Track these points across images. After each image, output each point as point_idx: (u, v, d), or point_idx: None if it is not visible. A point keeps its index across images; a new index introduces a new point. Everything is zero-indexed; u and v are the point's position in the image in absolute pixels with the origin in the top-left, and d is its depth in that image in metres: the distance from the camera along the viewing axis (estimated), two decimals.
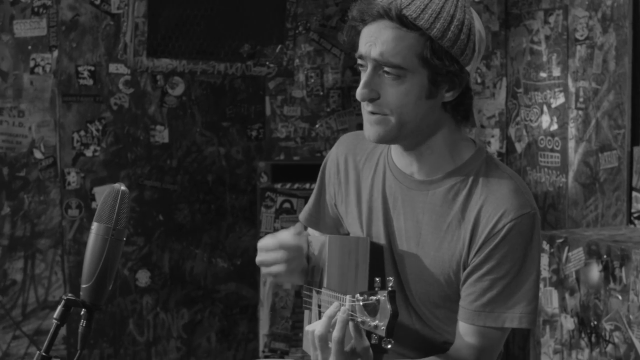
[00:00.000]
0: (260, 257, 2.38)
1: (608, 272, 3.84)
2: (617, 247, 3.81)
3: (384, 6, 2.07)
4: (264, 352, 5.42)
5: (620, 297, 3.78)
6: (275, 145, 5.82)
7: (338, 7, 5.80)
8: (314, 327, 2.09)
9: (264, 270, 2.40)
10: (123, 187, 1.90)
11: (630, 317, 3.72)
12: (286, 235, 2.36)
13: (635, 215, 4.41)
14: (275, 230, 5.35)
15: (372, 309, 1.94)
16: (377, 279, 1.99)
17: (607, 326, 3.85)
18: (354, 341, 2.02)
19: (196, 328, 5.73)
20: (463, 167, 2.20)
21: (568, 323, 4.06)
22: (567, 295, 4.05)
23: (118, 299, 5.50)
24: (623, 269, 3.76)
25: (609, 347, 3.84)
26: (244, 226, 5.80)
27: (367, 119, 2.17)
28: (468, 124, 2.23)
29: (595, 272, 3.91)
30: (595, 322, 3.91)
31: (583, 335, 3.98)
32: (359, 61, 2.15)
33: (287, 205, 5.41)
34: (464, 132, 2.25)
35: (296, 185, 5.36)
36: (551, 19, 4.92)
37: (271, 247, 2.35)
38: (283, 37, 5.70)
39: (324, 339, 2.05)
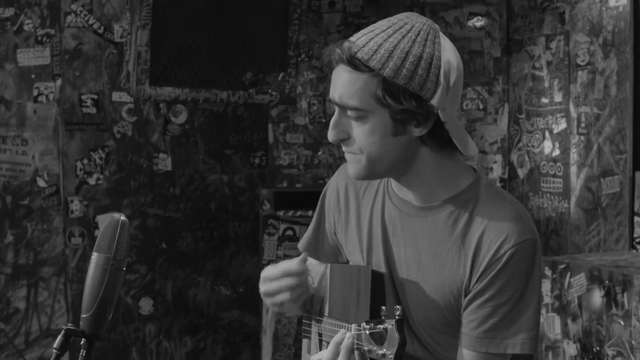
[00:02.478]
0: (264, 287, 2.38)
1: (610, 297, 3.84)
2: (619, 272, 3.82)
3: (339, 51, 2.11)
4: None
5: (622, 323, 3.78)
6: (278, 172, 5.84)
7: (340, 34, 5.82)
8: (320, 356, 2.11)
9: (268, 300, 2.40)
10: (123, 217, 1.91)
11: (633, 342, 3.72)
12: (290, 263, 2.37)
13: (638, 240, 4.42)
14: (278, 257, 5.37)
15: (379, 338, 1.95)
16: (384, 307, 2.00)
17: (610, 352, 3.84)
18: None
19: (199, 356, 5.73)
20: (462, 194, 2.21)
21: (570, 349, 4.05)
22: (569, 321, 4.05)
23: (121, 326, 5.50)
24: (625, 295, 3.76)
25: None
26: (247, 253, 5.80)
27: (347, 157, 2.23)
28: (457, 150, 2.23)
29: (597, 297, 3.91)
30: (598, 348, 3.90)
31: None
32: (333, 106, 2.21)
33: (289, 232, 5.41)
34: (460, 160, 2.26)
35: (299, 213, 5.37)
36: (552, 45, 4.95)
37: (275, 276, 2.35)
38: (285, 65, 5.72)
39: None
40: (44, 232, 5.31)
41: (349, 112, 2.13)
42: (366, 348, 1.99)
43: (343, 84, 2.11)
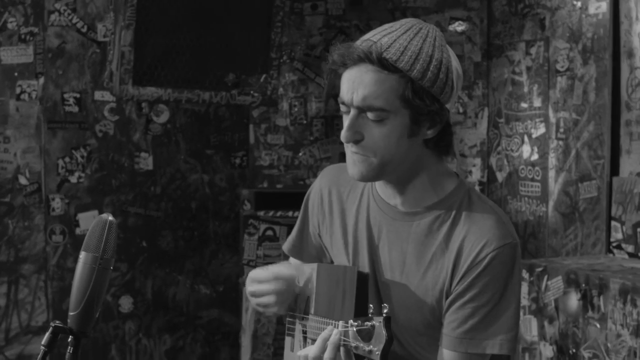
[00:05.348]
0: (252, 287, 2.41)
1: (586, 300, 3.89)
2: (595, 276, 3.86)
3: (364, 50, 2.10)
4: None
5: (598, 326, 3.82)
6: (259, 173, 5.86)
7: (322, 37, 5.86)
8: (307, 352, 2.14)
9: (254, 301, 2.43)
10: (111, 218, 1.94)
11: (609, 345, 3.77)
12: (281, 267, 2.40)
13: (614, 244, 4.46)
14: (258, 257, 5.39)
15: (366, 334, 1.99)
16: (371, 305, 2.05)
17: (586, 354, 3.89)
18: None
19: (178, 354, 5.75)
20: (446, 200, 2.25)
21: (547, 351, 4.10)
22: (546, 324, 4.09)
23: (100, 324, 5.51)
24: (601, 298, 3.81)
25: None
26: (226, 253, 5.83)
27: (351, 157, 2.21)
28: (449, 156, 2.28)
29: (574, 300, 3.96)
30: (574, 350, 3.95)
31: None
32: (342, 107, 2.19)
33: (269, 232, 5.44)
34: (445, 165, 2.30)
35: (279, 213, 5.40)
36: (532, 50, 4.99)
37: (264, 279, 2.38)
38: (267, 66, 5.75)
39: None
40: (25, 230, 5.32)
41: (369, 114, 2.13)
42: (353, 344, 2.03)
43: (368, 84, 2.10)
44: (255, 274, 2.43)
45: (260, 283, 2.40)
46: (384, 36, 2.12)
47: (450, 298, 2.21)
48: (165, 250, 5.68)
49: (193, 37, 5.56)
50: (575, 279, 3.95)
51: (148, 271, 5.63)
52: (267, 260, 5.41)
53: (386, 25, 2.17)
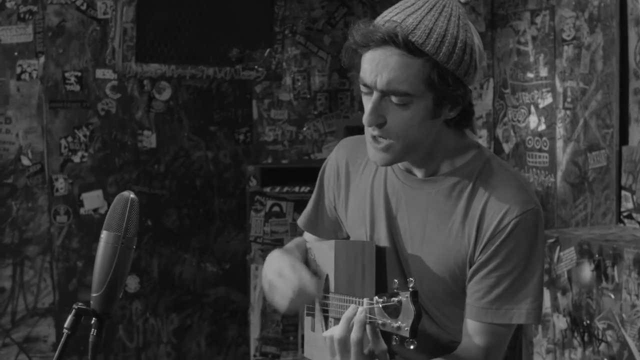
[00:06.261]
0: (274, 278, 2.34)
1: (600, 271, 3.86)
2: (609, 246, 3.83)
3: (389, 32, 2.04)
4: (255, 356, 5.42)
5: (612, 296, 3.80)
6: (263, 148, 5.83)
7: (324, 10, 5.81)
8: (332, 332, 2.10)
9: (267, 288, 2.38)
10: (132, 195, 1.89)
11: (623, 315, 3.74)
12: (307, 278, 2.31)
13: (625, 214, 4.44)
14: (265, 234, 5.36)
15: (393, 310, 1.95)
16: (396, 280, 2.01)
17: (600, 325, 3.87)
18: (371, 344, 2.03)
19: (186, 333, 5.73)
20: (465, 166, 2.22)
21: (560, 322, 4.07)
22: (559, 295, 4.07)
23: None
24: (615, 268, 3.78)
25: (602, 346, 3.85)
26: (232, 230, 5.80)
27: (373, 144, 2.17)
28: (468, 129, 2.25)
29: (587, 271, 3.93)
30: (588, 322, 3.93)
31: (576, 334, 4.00)
32: (363, 88, 2.14)
33: (276, 209, 5.40)
34: (466, 138, 2.27)
35: (286, 189, 5.35)
36: (538, 20, 4.94)
37: (289, 278, 2.31)
38: (271, 40, 5.70)
39: (344, 341, 2.06)
40: (29, 211, 5.28)
41: (393, 98, 2.08)
42: (380, 322, 1.99)
43: (393, 68, 2.06)
44: (279, 264, 2.37)
45: (283, 278, 2.35)
46: (408, 16, 2.07)
47: (473, 267, 2.18)
48: (171, 229, 5.65)
49: (195, 12, 5.51)
50: (588, 249, 3.92)
51: (154, 250, 5.60)
52: (274, 237, 5.37)
53: (407, 2, 2.11)
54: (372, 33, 2.07)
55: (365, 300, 2.05)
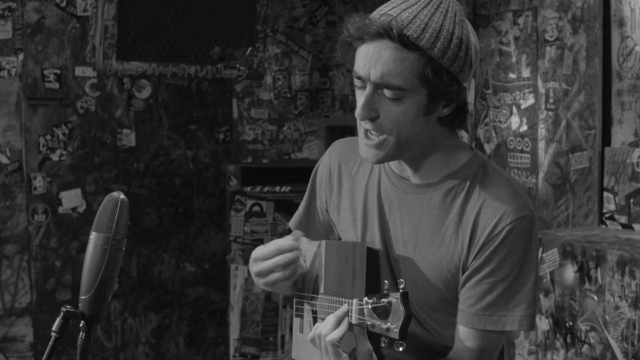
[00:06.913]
0: (256, 267, 2.33)
1: (583, 272, 3.85)
2: (592, 247, 3.83)
3: (384, 25, 2.03)
4: (234, 356, 5.39)
5: (596, 298, 3.79)
6: (243, 147, 5.80)
7: (305, 8, 5.78)
8: (320, 331, 2.09)
9: (260, 281, 2.35)
10: (122, 196, 1.87)
11: (606, 317, 3.74)
12: (281, 240, 2.33)
13: (607, 215, 4.43)
14: (245, 234, 5.33)
15: (382, 312, 1.93)
16: (386, 282, 1.99)
17: (583, 327, 3.86)
18: (357, 344, 2.01)
19: (164, 333, 5.69)
20: (459, 171, 2.20)
21: (543, 324, 4.07)
22: (542, 296, 4.06)
23: None
24: (599, 270, 3.77)
25: (585, 348, 3.85)
26: (211, 229, 5.77)
27: (365, 141, 2.15)
28: (461, 130, 2.24)
29: (570, 272, 3.92)
30: (571, 323, 3.92)
31: (558, 336, 3.99)
32: (356, 81, 2.12)
33: (256, 208, 5.38)
34: (459, 139, 2.25)
35: (266, 189, 5.33)
36: (520, 20, 4.94)
37: (267, 255, 2.31)
38: (253, 39, 5.67)
39: (330, 340, 2.06)
40: (7, 209, 5.23)
41: (386, 92, 2.07)
42: (369, 323, 1.97)
43: (387, 61, 2.04)
44: (258, 252, 2.35)
45: (264, 261, 2.33)
46: (403, 10, 2.06)
47: (466, 273, 2.16)
48: (150, 228, 5.61)
49: (178, 10, 5.47)
50: (571, 250, 3.91)
51: (132, 249, 5.56)
52: (254, 237, 5.35)
53: None
54: (367, 26, 2.06)
55: (355, 300, 2.03)
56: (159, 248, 5.64)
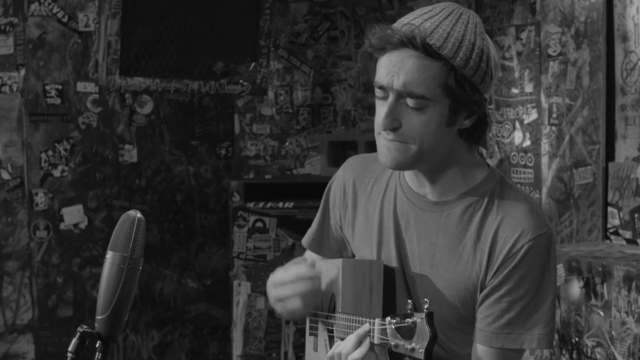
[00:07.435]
0: (276, 292, 2.31)
1: (589, 288, 3.85)
2: (598, 263, 3.82)
3: (407, 34, 2.03)
4: None
5: (602, 314, 3.78)
6: (245, 163, 5.78)
7: (307, 24, 5.78)
8: (340, 349, 2.09)
9: (278, 306, 2.33)
10: (139, 215, 1.85)
11: (613, 333, 3.73)
12: (302, 268, 2.30)
13: (611, 230, 4.43)
14: (248, 250, 5.31)
15: (407, 332, 1.92)
16: (410, 301, 1.98)
17: (589, 342, 3.85)
18: None
19: (166, 350, 5.66)
20: (477, 188, 2.19)
21: None
22: None
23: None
24: (605, 285, 3.77)
25: None
26: (213, 245, 5.75)
27: (385, 145, 2.13)
28: (479, 146, 2.22)
29: (576, 288, 3.92)
30: (577, 339, 3.91)
31: (564, 352, 3.98)
32: (378, 91, 2.11)
33: (259, 224, 5.35)
34: (476, 155, 2.24)
35: (269, 204, 5.31)
36: (523, 35, 4.94)
37: (287, 281, 2.29)
38: (257, 54, 5.66)
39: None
40: (8, 226, 5.20)
41: (409, 101, 2.06)
42: (392, 343, 1.95)
43: (410, 70, 2.04)
44: (277, 277, 2.33)
45: (284, 286, 2.30)
46: (425, 20, 2.06)
47: (484, 292, 2.14)
48: (151, 244, 5.58)
49: (181, 25, 5.46)
50: (577, 266, 3.91)
51: None
52: (257, 253, 5.33)
53: (425, 9, 2.10)
54: (389, 36, 2.05)
55: (377, 320, 2.02)
56: (160, 264, 5.62)
